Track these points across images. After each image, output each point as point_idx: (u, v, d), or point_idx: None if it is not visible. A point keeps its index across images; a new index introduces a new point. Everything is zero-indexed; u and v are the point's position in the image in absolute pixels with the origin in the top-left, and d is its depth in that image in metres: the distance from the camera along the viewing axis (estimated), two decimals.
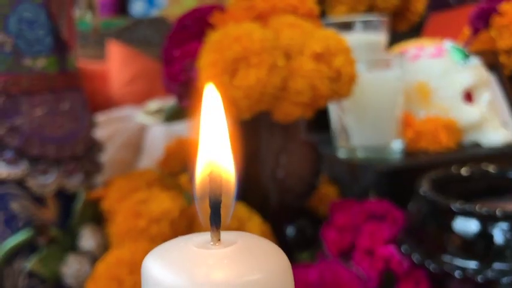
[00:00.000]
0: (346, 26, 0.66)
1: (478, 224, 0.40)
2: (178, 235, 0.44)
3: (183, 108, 0.53)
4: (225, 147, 0.20)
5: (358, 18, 0.68)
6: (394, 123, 0.59)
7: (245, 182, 0.55)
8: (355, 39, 0.65)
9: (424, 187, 0.46)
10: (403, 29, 0.90)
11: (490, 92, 0.66)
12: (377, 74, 0.59)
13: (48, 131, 0.48)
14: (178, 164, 0.61)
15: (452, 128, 0.63)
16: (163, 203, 0.45)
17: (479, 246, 0.40)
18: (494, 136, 0.64)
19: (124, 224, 0.44)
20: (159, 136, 0.78)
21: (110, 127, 0.80)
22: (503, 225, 0.39)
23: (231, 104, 0.44)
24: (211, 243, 0.19)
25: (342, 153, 0.61)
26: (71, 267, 0.47)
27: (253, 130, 0.52)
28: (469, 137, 0.65)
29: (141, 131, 0.79)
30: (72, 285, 0.47)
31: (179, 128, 0.79)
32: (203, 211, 0.19)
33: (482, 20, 1.05)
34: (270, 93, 0.44)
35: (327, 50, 0.47)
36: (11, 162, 0.45)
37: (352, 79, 0.48)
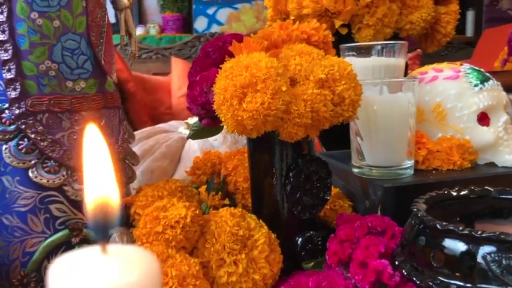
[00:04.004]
0: (366, 50, 0.69)
1: (462, 244, 0.43)
2: (190, 239, 0.50)
3: (205, 127, 0.59)
4: (109, 178, 0.24)
5: (377, 42, 0.71)
6: (405, 144, 0.62)
7: (259, 194, 0.60)
8: (374, 62, 0.69)
9: (418, 205, 0.49)
10: (432, 50, 0.92)
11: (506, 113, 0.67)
12: (389, 96, 0.62)
13: None
14: (204, 174, 0.67)
15: (466, 148, 0.65)
16: (177, 210, 0.50)
17: (464, 265, 0.42)
18: (509, 158, 0.65)
19: (144, 228, 0.51)
20: (195, 147, 0.84)
21: (154, 138, 0.88)
22: (486, 247, 0.41)
23: (240, 124, 0.49)
24: (100, 254, 0.24)
25: (355, 170, 0.65)
26: None
27: (267, 145, 0.57)
28: (485, 158, 0.67)
29: (180, 142, 0.86)
30: None
31: (214, 140, 0.85)
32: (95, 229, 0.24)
33: None
34: (274, 115, 0.49)
35: (331, 76, 0.51)
36: (51, 171, 0.52)
37: (354, 103, 0.52)
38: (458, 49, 2.80)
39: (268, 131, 0.52)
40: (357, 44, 0.70)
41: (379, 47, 0.69)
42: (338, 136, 0.74)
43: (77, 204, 0.54)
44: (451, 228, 0.43)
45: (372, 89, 0.62)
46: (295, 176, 0.56)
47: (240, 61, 0.50)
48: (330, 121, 0.52)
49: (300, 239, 0.58)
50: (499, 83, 0.69)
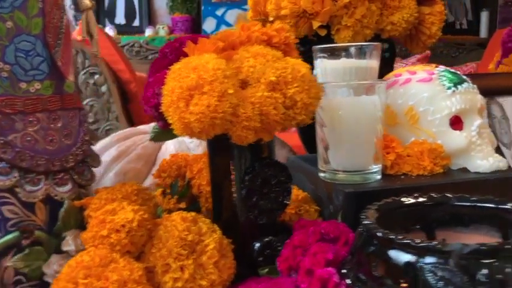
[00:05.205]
0: (338, 52, 0.68)
1: (404, 254, 0.41)
2: (136, 244, 0.49)
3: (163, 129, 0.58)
4: None
5: (348, 44, 0.70)
6: (371, 148, 0.60)
7: (219, 197, 0.59)
8: (345, 64, 0.67)
9: (368, 212, 0.47)
10: (418, 52, 0.89)
11: (482, 117, 0.65)
12: (354, 99, 0.60)
13: (39, 146, 0.55)
14: (169, 177, 0.66)
15: (438, 152, 0.63)
16: (125, 214, 0.50)
17: (407, 276, 0.40)
18: (481, 163, 0.63)
19: (90, 231, 0.50)
20: (171, 149, 0.83)
21: (131, 139, 0.87)
22: (424, 258, 0.39)
23: (187, 127, 0.49)
24: None
25: (321, 175, 0.63)
26: (51, 267, 0.53)
27: (226, 149, 0.56)
28: (457, 163, 0.65)
29: (157, 143, 0.85)
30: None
31: (190, 142, 0.84)
32: None
33: None
34: (221, 118, 0.48)
35: (282, 78, 0.50)
36: (2, 172, 0.52)
37: (307, 106, 0.51)
38: (469, 50, 2.74)
39: (226, 134, 0.51)
40: (327, 45, 0.69)
41: (352, 48, 0.68)
42: None
43: (30, 206, 0.54)
44: (391, 237, 0.41)
45: (336, 91, 0.61)
46: (251, 179, 0.55)
47: (188, 62, 0.49)
48: (281, 124, 0.51)
49: (258, 244, 0.57)
50: (474, 85, 0.67)
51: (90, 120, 1.69)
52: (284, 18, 0.81)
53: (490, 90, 0.90)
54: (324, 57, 0.68)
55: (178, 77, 0.49)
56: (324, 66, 0.68)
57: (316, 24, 0.79)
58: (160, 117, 0.55)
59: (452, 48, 2.79)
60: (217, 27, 2.94)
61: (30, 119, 0.54)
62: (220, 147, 0.57)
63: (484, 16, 3.19)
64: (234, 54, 0.54)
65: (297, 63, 0.53)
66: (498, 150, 0.84)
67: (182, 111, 0.48)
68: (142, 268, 0.48)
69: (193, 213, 0.53)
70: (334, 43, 0.80)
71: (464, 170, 0.64)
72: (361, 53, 0.67)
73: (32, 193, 0.53)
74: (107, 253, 0.48)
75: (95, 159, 0.61)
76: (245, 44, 0.56)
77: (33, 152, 0.54)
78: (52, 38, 0.56)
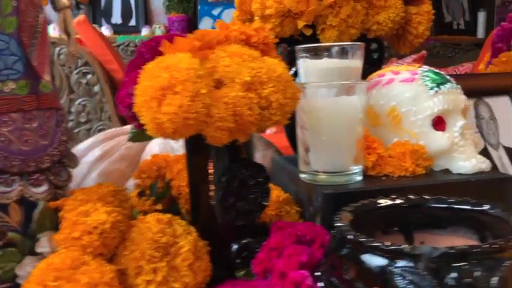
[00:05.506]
0: (320, 52, 0.67)
1: (374, 257, 0.40)
2: (108, 246, 0.49)
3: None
4: None
5: (330, 44, 0.69)
6: (351, 149, 0.60)
7: (197, 199, 0.58)
8: (328, 64, 0.67)
9: (342, 214, 0.46)
10: (406, 52, 0.89)
11: (465, 118, 0.64)
12: (334, 99, 0.60)
13: (13, 147, 0.54)
14: (149, 178, 0.65)
15: (420, 154, 0.63)
16: (98, 216, 0.49)
17: (378, 279, 0.40)
18: (464, 164, 0.62)
19: (62, 233, 0.49)
20: (155, 150, 0.83)
21: (116, 139, 0.87)
22: (394, 261, 0.39)
23: (160, 127, 0.48)
24: None
25: (302, 176, 0.63)
26: (24, 269, 0.52)
27: (204, 149, 0.56)
28: (440, 165, 0.64)
29: (142, 144, 0.84)
30: None
31: (174, 143, 0.84)
32: None
33: (504, 41, 1.01)
34: (194, 119, 0.47)
35: (257, 79, 0.49)
36: None
37: (283, 106, 0.50)
38: (466, 51, 2.73)
39: (201, 135, 0.51)
40: (309, 45, 0.68)
41: (335, 48, 0.67)
42: None
43: (3, 207, 0.53)
44: (362, 240, 0.40)
45: (317, 92, 0.60)
46: (228, 181, 0.54)
47: (161, 62, 0.49)
48: (256, 125, 0.50)
49: (236, 246, 0.56)
50: (458, 86, 0.66)
51: (83, 120, 1.68)
52: (269, 18, 0.80)
53: (478, 91, 0.89)
54: (306, 57, 0.68)
55: (150, 77, 0.48)
56: (306, 66, 0.68)
57: (301, 24, 0.79)
58: (134, 118, 0.55)
59: (449, 49, 2.78)
60: (214, 27, 2.94)
61: (5, 119, 0.54)
62: (197, 147, 0.56)
63: (481, 16, 3.19)
64: (211, 54, 0.53)
65: (273, 64, 0.52)
66: (485, 151, 0.84)
67: (155, 112, 0.47)
68: (114, 270, 0.47)
69: (169, 215, 0.53)
70: (319, 43, 0.79)
71: (447, 171, 0.64)
72: (344, 53, 0.66)
73: (5, 194, 0.53)
74: (78, 255, 0.47)
75: (72, 159, 0.61)
76: (223, 44, 0.56)
77: (7, 153, 0.53)
78: (27, 37, 0.55)
